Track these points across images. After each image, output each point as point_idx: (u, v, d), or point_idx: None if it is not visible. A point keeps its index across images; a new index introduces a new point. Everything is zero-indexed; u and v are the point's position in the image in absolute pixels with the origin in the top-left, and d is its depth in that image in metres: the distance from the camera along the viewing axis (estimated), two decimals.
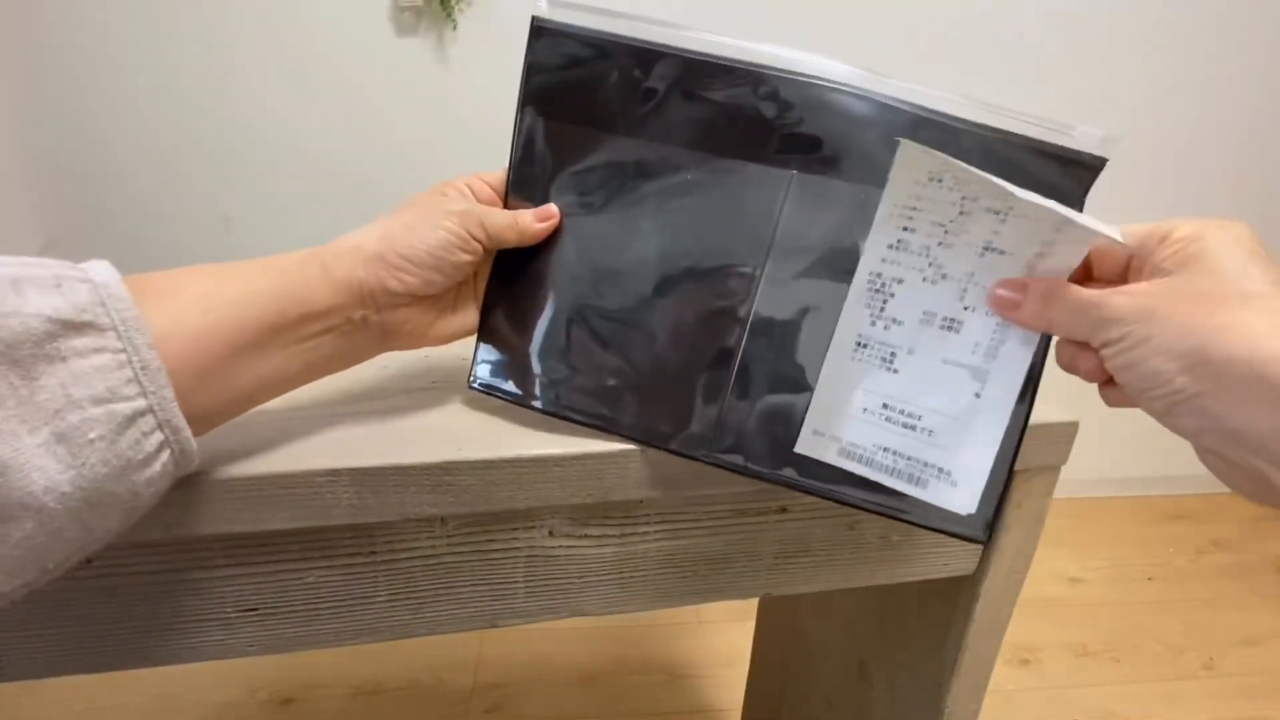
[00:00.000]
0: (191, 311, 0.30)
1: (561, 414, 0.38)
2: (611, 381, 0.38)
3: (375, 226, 0.36)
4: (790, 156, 0.37)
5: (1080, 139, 0.34)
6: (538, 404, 0.39)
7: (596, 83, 0.38)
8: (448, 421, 0.39)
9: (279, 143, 1.17)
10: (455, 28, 1.13)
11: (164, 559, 0.35)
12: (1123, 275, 0.33)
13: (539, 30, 0.38)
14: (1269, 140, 1.39)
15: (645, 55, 0.37)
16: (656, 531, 0.41)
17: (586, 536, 0.40)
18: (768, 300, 0.37)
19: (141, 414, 0.27)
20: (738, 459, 0.36)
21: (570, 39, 0.37)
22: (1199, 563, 1.44)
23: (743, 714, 0.98)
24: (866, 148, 0.36)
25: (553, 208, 0.39)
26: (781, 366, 0.36)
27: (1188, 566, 1.43)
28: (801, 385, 0.36)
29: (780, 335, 0.37)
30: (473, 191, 0.40)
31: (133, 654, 0.37)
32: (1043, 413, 0.43)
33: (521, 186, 0.40)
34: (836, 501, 0.36)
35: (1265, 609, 1.31)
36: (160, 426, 0.27)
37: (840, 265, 0.36)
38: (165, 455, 0.28)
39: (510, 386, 0.39)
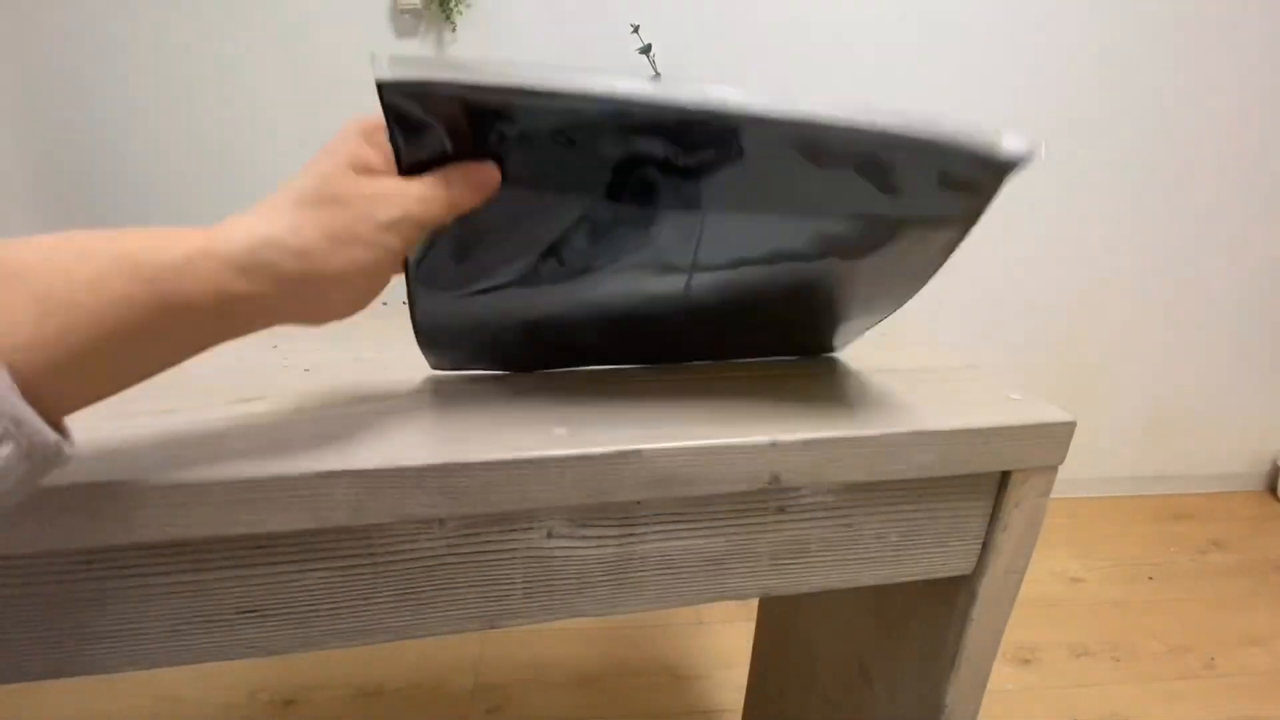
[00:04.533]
0: (26, 314, 0.25)
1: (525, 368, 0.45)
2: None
3: (283, 228, 0.29)
4: (698, 194, 0.35)
5: (998, 145, 0.31)
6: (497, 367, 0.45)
7: (460, 136, 0.33)
8: (447, 423, 0.39)
9: (279, 144, 1.17)
10: (454, 29, 1.14)
11: (164, 561, 0.35)
12: None
13: (386, 91, 0.30)
14: (1269, 140, 1.39)
15: (504, 103, 0.31)
16: (655, 532, 0.41)
17: (585, 538, 0.40)
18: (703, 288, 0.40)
19: None
20: None
21: (424, 97, 0.31)
22: (1200, 562, 1.44)
23: (743, 714, 0.98)
24: (774, 174, 0.34)
25: (490, 168, 0.33)
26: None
27: (1188, 566, 1.43)
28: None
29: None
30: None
31: (133, 657, 0.37)
32: (1041, 412, 0.43)
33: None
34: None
35: (1266, 609, 1.31)
36: None
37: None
38: (8, 449, 0.25)
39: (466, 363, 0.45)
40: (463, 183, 0.33)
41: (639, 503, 0.39)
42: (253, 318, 0.30)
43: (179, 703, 1.02)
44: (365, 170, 0.32)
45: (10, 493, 0.26)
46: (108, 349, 0.27)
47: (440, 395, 0.42)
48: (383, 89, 0.30)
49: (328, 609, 0.38)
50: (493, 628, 0.41)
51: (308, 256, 0.29)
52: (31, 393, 0.25)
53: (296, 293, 0.30)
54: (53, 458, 0.27)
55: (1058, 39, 1.27)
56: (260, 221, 0.30)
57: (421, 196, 0.32)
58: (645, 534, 0.40)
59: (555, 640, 1.17)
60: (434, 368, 0.46)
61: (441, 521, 0.38)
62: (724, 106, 0.31)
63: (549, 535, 0.39)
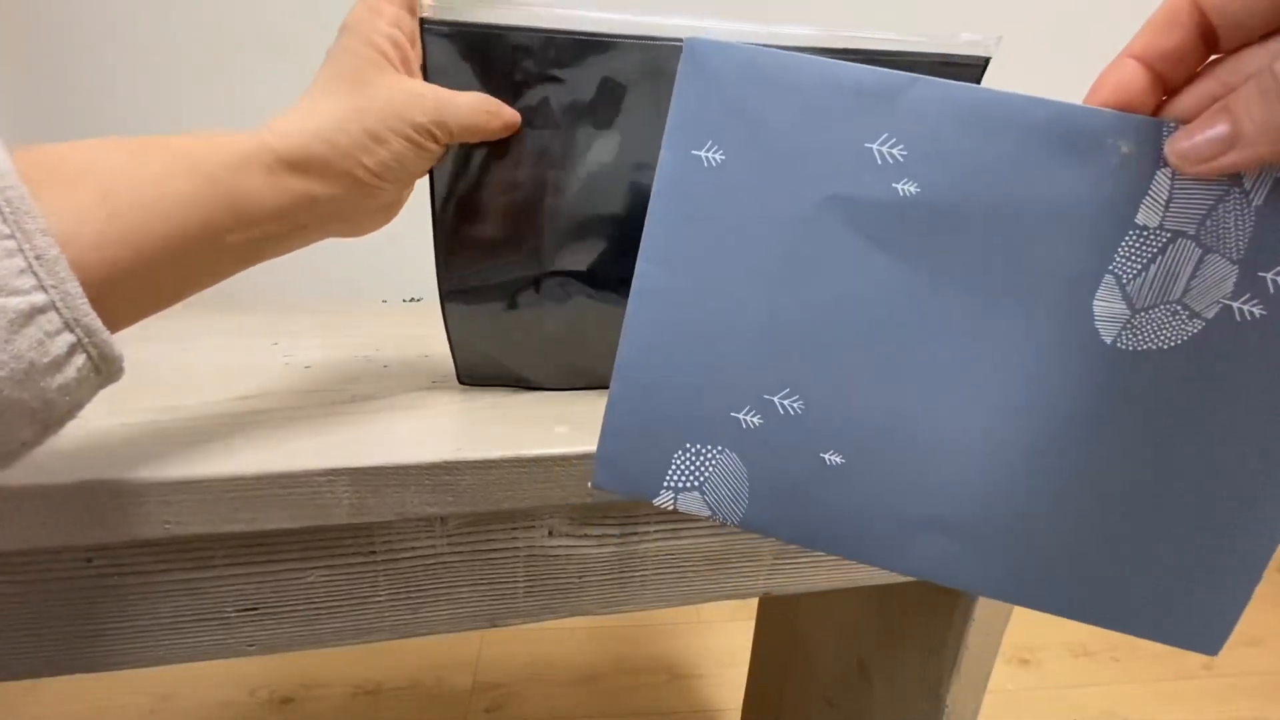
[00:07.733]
0: (93, 212, 0.25)
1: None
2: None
3: (326, 123, 0.32)
4: None
5: (967, 45, 0.35)
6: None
7: (501, 76, 0.36)
8: (448, 421, 0.39)
9: None
10: None
11: (164, 559, 0.35)
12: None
13: (430, 31, 0.35)
14: None
15: (545, 42, 0.35)
16: (656, 531, 0.41)
17: (586, 536, 0.40)
18: None
19: (41, 310, 0.23)
20: None
21: (466, 35, 0.35)
22: None
23: (743, 714, 0.98)
24: None
25: (514, 111, 0.36)
26: None
27: None
28: None
29: None
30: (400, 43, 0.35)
31: (133, 654, 0.37)
32: None
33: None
34: None
35: (1265, 609, 1.31)
36: (69, 326, 0.23)
37: None
38: (80, 360, 0.24)
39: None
40: (496, 107, 0.35)
41: (641, 501, 0.39)
42: (306, 220, 0.32)
43: (178, 700, 1.02)
44: (391, 64, 0.34)
45: (76, 407, 0.25)
46: (171, 252, 0.27)
47: (441, 393, 0.42)
48: (425, 26, 0.34)
49: (328, 607, 0.38)
50: (493, 626, 0.41)
51: (352, 151, 0.32)
52: (94, 300, 0.24)
53: (344, 188, 0.32)
54: (115, 373, 0.26)
55: (1076, 34, 1.27)
56: (308, 118, 0.32)
57: (454, 101, 0.34)
58: (647, 533, 0.40)
59: (555, 639, 1.17)
60: (463, 380, 0.44)
61: (443, 519, 0.37)
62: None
63: (550, 534, 0.39)
